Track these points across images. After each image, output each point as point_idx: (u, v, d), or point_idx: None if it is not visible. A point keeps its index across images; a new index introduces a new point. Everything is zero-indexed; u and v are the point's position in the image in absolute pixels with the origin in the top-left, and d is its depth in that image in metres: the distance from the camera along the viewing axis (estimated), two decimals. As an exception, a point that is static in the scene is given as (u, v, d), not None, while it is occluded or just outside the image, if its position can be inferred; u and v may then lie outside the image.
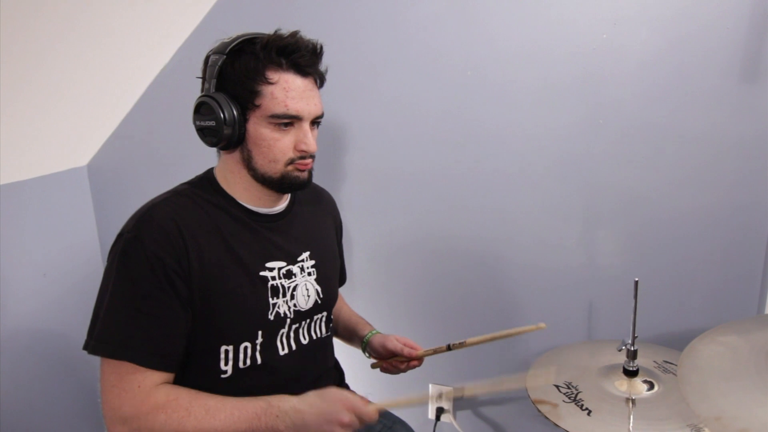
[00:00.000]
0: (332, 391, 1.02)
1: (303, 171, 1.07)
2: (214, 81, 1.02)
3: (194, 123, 1.05)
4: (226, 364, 1.04)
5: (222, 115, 1.00)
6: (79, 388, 1.88)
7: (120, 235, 0.99)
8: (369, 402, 1.04)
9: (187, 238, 0.98)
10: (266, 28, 1.06)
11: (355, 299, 1.73)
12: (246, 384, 1.06)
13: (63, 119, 1.66)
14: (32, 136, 1.61)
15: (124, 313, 0.96)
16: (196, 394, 0.98)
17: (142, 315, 0.96)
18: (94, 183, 1.94)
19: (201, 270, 0.99)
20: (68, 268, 1.85)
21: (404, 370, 1.29)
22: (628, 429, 1.06)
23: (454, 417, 1.75)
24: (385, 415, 1.32)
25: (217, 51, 1.02)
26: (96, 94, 1.69)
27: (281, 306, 1.09)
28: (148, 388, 0.95)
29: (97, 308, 0.98)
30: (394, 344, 1.25)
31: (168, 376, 0.99)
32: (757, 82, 1.29)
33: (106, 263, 1.00)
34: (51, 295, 1.80)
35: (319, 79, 1.08)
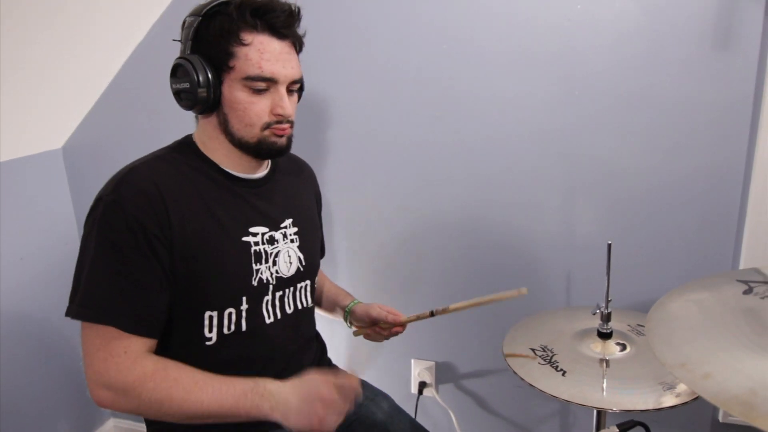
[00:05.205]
0: (312, 373, 1.03)
1: (281, 137, 1.06)
2: (189, 43, 1.01)
3: (171, 87, 1.03)
4: (210, 330, 1.04)
5: (196, 77, 0.98)
6: (60, 370, 1.88)
7: (98, 200, 0.97)
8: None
9: (168, 202, 0.97)
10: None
11: (338, 273, 1.74)
12: (231, 352, 1.06)
13: (36, 101, 1.64)
14: (5, 120, 1.58)
15: (107, 278, 0.95)
16: (184, 367, 0.97)
17: (124, 280, 0.95)
18: (70, 165, 1.92)
19: (182, 234, 0.98)
20: (46, 251, 1.84)
21: (387, 337, 1.31)
22: (602, 387, 1.08)
23: (437, 391, 1.77)
24: (367, 388, 1.33)
25: (194, 13, 1.01)
26: (69, 75, 1.66)
27: (264, 272, 1.09)
28: (135, 355, 0.94)
29: (78, 274, 0.97)
30: (377, 311, 1.27)
31: (152, 342, 0.99)
32: (730, 49, 1.30)
33: (83, 230, 0.98)
34: (29, 278, 1.78)
35: (298, 43, 1.06)
